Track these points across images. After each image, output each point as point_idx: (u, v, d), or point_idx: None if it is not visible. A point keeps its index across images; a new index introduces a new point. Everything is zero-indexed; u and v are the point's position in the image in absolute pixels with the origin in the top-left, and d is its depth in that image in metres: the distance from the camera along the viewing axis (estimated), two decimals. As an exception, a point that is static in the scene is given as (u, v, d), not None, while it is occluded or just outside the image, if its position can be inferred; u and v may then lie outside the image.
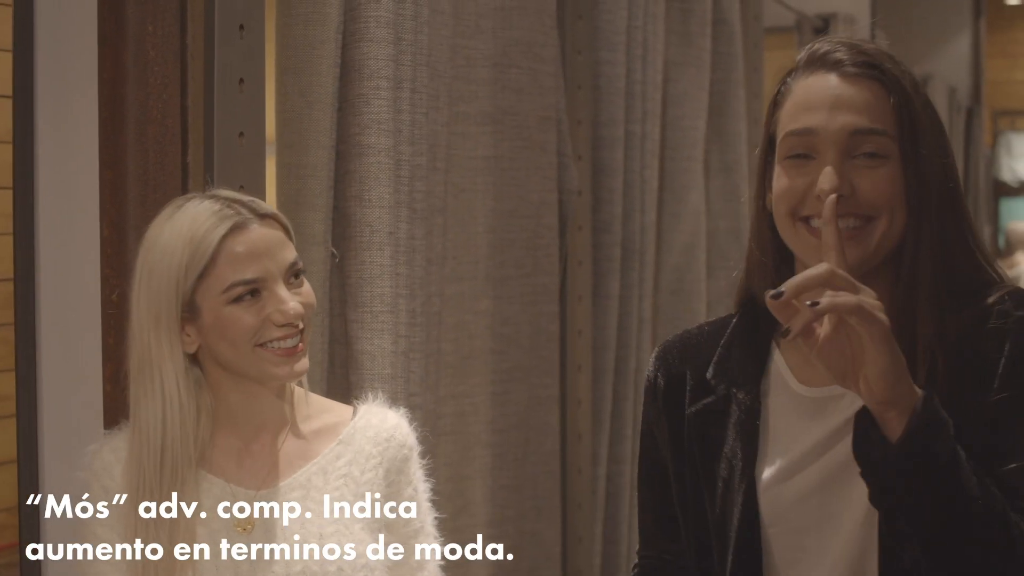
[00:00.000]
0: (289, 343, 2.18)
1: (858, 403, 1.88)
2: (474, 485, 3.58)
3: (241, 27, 2.68)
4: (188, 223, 2.16)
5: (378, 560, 2.26)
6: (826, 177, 1.95)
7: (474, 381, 3.58)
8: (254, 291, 2.16)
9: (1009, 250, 11.82)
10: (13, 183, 2.56)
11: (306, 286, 2.22)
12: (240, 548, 2.19)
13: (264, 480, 2.25)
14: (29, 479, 2.52)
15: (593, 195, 4.18)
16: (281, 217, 2.23)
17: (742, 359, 2.14)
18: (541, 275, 3.82)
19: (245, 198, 2.23)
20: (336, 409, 2.37)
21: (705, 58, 4.70)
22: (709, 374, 2.15)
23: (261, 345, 2.17)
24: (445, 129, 3.31)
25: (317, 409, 2.35)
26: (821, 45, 2.05)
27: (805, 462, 2.05)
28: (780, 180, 2.02)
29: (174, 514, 2.16)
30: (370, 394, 2.41)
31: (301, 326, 2.19)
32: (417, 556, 2.36)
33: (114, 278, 2.51)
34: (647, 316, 4.33)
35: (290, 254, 2.20)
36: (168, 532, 2.15)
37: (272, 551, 2.19)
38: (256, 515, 2.22)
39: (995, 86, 13.43)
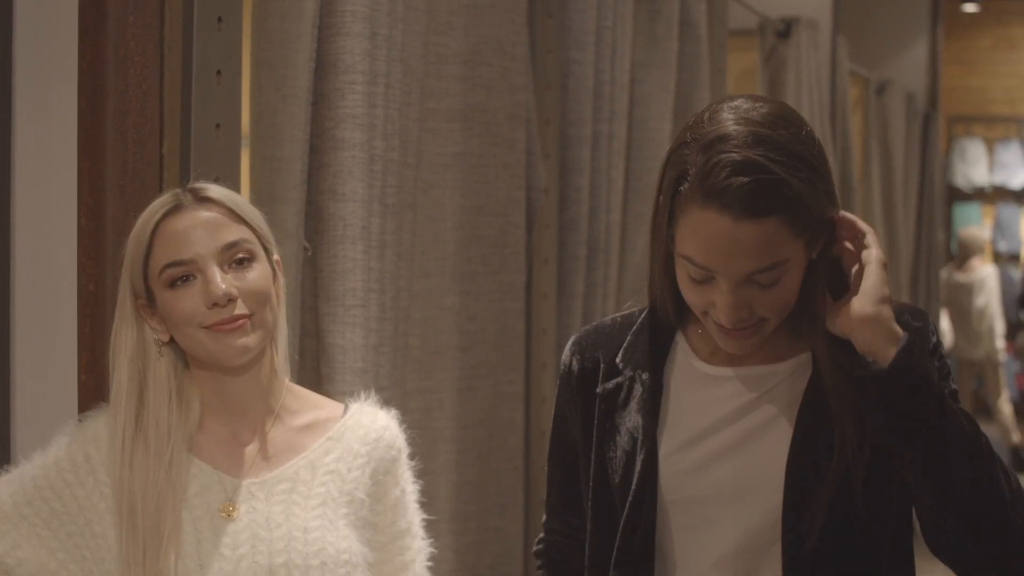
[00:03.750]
0: (221, 315, 2.18)
1: (753, 388, 2.21)
2: (438, 480, 3.59)
3: (219, 19, 2.68)
4: (142, 214, 2.21)
5: (361, 558, 2.26)
6: (726, 313, 2.09)
7: (440, 377, 3.59)
8: (187, 275, 2.17)
9: (963, 255, 11.92)
10: (-10, 173, 2.56)
11: (254, 272, 2.20)
12: (223, 536, 2.19)
13: (250, 470, 2.25)
14: (1, 468, 2.52)
15: (560, 194, 4.19)
16: (227, 200, 2.22)
17: (648, 345, 2.30)
18: (508, 272, 3.83)
19: (202, 185, 2.25)
20: (327, 406, 2.38)
21: (671, 59, 4.72)
22: (618, 359, 2.31)
23: (206, 327, 2.18)
24: (416, 125, 3.32)
25: (308, 404, 2.35)
26: (718, 170, 2.03)
27: (706, 434, 2.23)
28: (682, 282, 2.15)
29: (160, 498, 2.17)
30: (362, 392, 2.42)
31: (240, 310, 2.18)
32: (401, 557, 2.37)
33: (91, 267, 2.51)
34: (611, 315, 4.35)
35: (227, 236, 2.19)
36: (155, 516, 2.16)
37: (256, 542, 2.19)
38: (242, 504, 2.21)
39: (951, 92, 13.54)
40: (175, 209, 2.19)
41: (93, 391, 2.49)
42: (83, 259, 2.52)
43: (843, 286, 2.15)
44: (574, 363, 2.36)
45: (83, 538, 2.21)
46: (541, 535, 2.49)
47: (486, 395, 3.76)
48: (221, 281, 2.16)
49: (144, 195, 2.51)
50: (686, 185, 2.07)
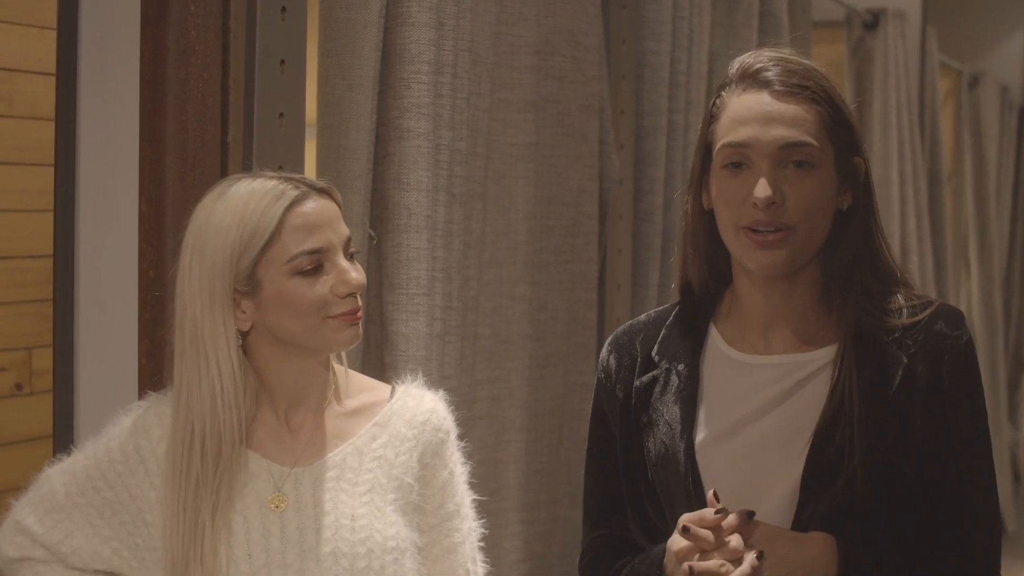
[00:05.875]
0: (350, 306, 2.20)
1: (787, 376, 2.22)
2: (507, 469, 3.60)
3: (283, 9, 2.71)
4: (244, 200, 2.17)
5: (409, 543, 2.27)
6: (761, 187, 2.15)
7: (510, 366, 3.60)
8: (318, 264, 2.18)
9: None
10: (55, 160, 2.60)
11: (359, 265, 2.24)
12: (271, 526, 2.20)
13: (300, 458, 2.25)
14: (63, 454, 2.56)
15: (635, 184, 4.18)
16: (335, 192, 2.25)
17: (682, 337, 2.34)
18: (579, 263, 3.83)
19: (296, 175, 2.25)
20: (374, 388, 2.37)
21: (750, 50, 4.69)
22: (653, 352, 2.35)
23: (332, 317, 2.19)
24: (486, 115, 3.33)
25: (356, 388, 2.35)
26: (752, 62, 2.24)
27: (738, 427, 2.25)
28: (719, 188, 2.22)
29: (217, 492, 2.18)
30: (408, 375, 2.41)
31: (360, 302, 2.22)
32: (450, 539, 2.35)
33: (151, 254, 2.54)
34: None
35: (346, 229, 2.23)
36: (210, 510, 2.17)
37: (303, 531, 2.20)
38: (290, 493, 2.22)
39: (1049, 85, 13.32)
40: (302, 198, 2.19)
41: (153, 375, 2.52)
42: (144, 245, 2.55)
43: None
44: (611, 360, 2.40)
45: (135, 527, 2.24)
46: (584, 549, 2.44)
47: (556, 384, 3.77)
48: (354, 271, 2.20)
49: (204, 182, 2.53)
50: (725, 91, 2.24)
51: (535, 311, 3.68)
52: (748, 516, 2.10)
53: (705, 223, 2.28)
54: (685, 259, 2.34)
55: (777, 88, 2.19)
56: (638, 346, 2.37)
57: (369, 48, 2.92)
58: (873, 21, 6.61)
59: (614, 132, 4.02)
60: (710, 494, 2.12)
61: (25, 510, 2.27)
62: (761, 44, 2.48)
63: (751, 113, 2.18)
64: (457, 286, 3.15)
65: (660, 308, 2.45)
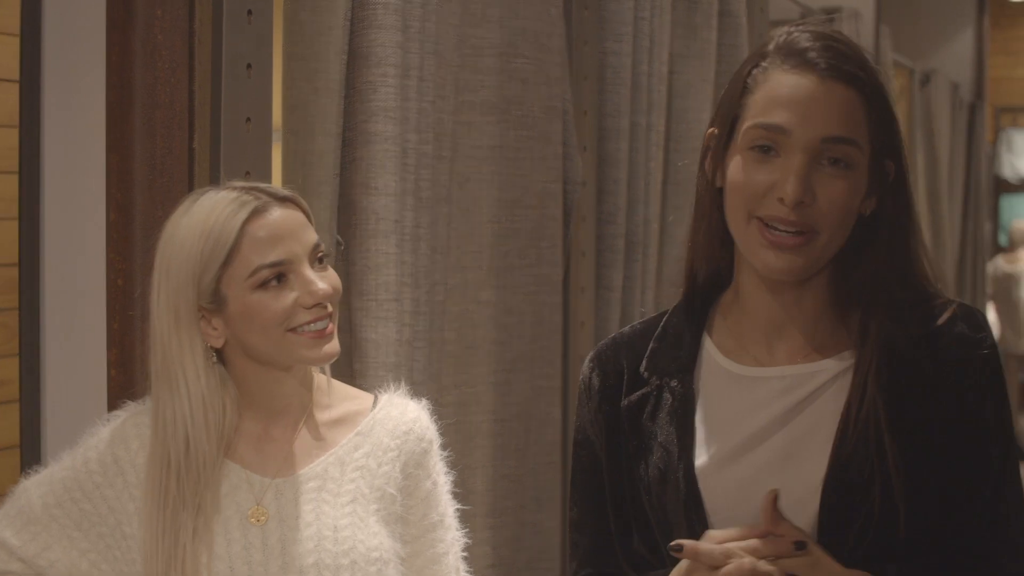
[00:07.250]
0: (319, 325, 2.15)
1: (795, 389, 2.01)
2: (475, 475, 3.57)
3: (249, 12, 2.67)
4: (205, 214, 2.13)
5: (392, 554, 2.24)
6: (792, 184, 1.93)
7: (476, 371, 3.57)
8: (280, 275, 2.13)
9: (1012, 247, 11.84)
10: (19, 167, 2.56)
11: (331, 271, 2.20)
12: (253, 539, 2.17)
13: (281, 468, 2.22)
14: (31, 465, 2.52)
15: (597, 186, 4.16)
16: (300, 200, 2.20)
17: (674, 350, 2.12)
18: (544, 266, 3.81)
19: (261, 184, 2.21)
20: (357, 398, 2.34)
21: (710, 50, 4.69)
22: (642, 367, 2.13)
23: (292, 330, 2.14)
24: (451, 118, 3.30)
25: (338, 397, 2.32)
26: (798, 38, 2.00)
27: (742, 449, 2.03)
28: (740, 170, 2.00)
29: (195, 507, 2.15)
30: (391, 384, 2.38)
31: (330, 309, 2.17)
32: (433, 550, 2.33)
33: (120, 262, 2.51)
34: (650, 308, 4.32)
35: (312, 236, 2.18)
36: (189, 525, 2.14)
37: (285, 543, 2.17)
38: (270, 505, 2.19)
39: (997, 83, 13.40)
40: (262, 209, 2.14)
41: (122, 386, 2.49)
42: (112, 254, 2.52)
43: None
44: (594, 378, 2.18)
45: (114, 539, 2.20)
46: None
47: (523, 389, 3.74)
48: (320, 280, 2.15)
49: (172, 189, 2.50)
50: (765, 62, 2.00)
51: (501, 315, 3.65)
52: (798, 547, 1.93)
53: (718, 203, 2.05)
54: (695, 244, 2.13)
55: (825, 73, 1.95)
56: (624, 361, 2.15)
57: (335, 51, 2.89)
58: (829, 20, 6.62)
59: (577, 134, 4.00)
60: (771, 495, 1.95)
61: (1, 523, 2.23)
62: (802, 20, 2.21)
63: (793, 95, 1.95)
64: (425, 291, 3.12)
65: (644, 319, 2.22)
